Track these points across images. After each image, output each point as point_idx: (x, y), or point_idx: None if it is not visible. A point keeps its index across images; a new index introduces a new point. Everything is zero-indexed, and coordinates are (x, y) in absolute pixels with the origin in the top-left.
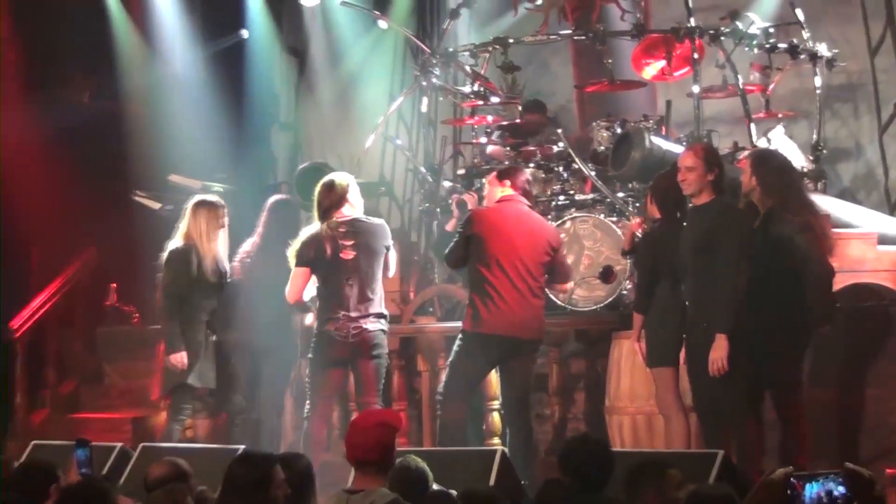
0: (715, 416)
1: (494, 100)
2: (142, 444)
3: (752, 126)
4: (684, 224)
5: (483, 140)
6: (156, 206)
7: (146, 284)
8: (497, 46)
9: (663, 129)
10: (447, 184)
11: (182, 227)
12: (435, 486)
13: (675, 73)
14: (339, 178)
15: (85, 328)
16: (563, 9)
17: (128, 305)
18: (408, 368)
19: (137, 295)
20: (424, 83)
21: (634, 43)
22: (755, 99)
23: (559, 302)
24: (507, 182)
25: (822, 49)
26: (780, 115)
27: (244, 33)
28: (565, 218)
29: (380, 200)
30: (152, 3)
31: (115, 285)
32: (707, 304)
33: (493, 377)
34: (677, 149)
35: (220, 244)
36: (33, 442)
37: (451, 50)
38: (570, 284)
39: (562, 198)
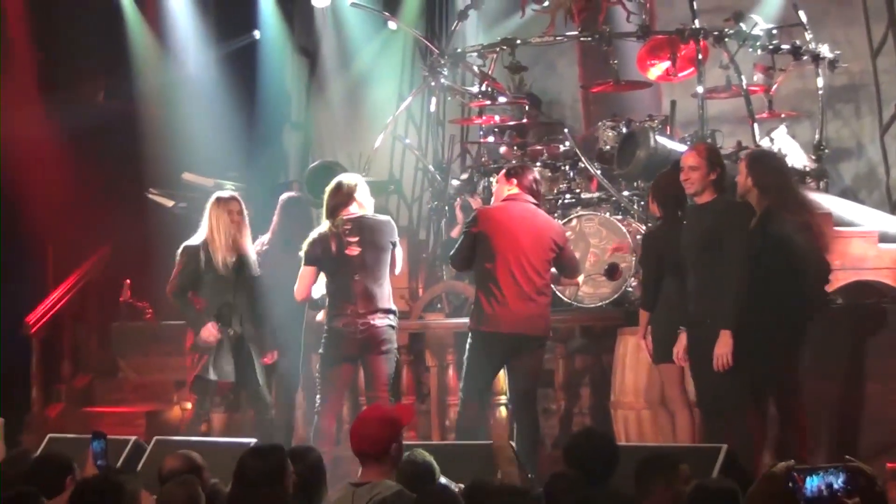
0: (718, 411)
1: (502, 100)
2: (155, 438)
3: (756, 126)
4: (684, 222)
5: (490, 139)
6: (169, 203)
7: (159, 281)
8: (504, 47)
9: (668, 128)
10: (455, 182)
11: (201, 223)
12: (442, 480)
13: (680, 74)
14: (348, 178)
15: (99, 324)
16: (569, 10)
17: (141, 301)
18: (416, 364)
19: (151, 291)
20: (433, 83)
21: (640, 44)
22: (758, 99)
23: (565, 299)
24: (514, 181)
25: (825, 50)
26: (782, 115)
27: (256, 34)
28: (571, 216)
29: (389, 198)
30: (166, 5)
31: (128, 282)
32: (711, 300)
33: (501, 372)
34: (682, 148)
35: (238, 239)
36: (49, 435)
37: (459, 51)
38: (580, 278)
39: (568, 196)
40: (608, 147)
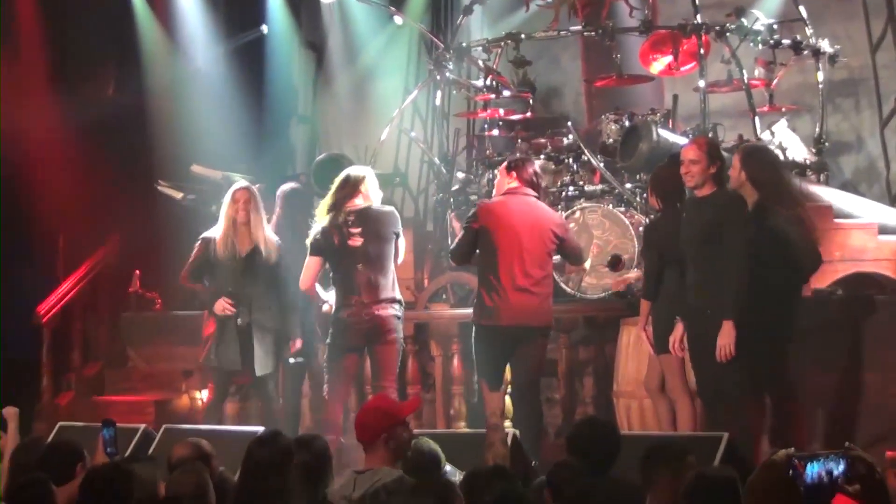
0: (719, 401)
1: (506, 93)
2: (164, 426)
3: (757, 120)
4: (684, 215)
5: (495, 132)
6: (178, 195)
7: (169, 272)
8: (509, 42)
9: (670, 122)
10: (460, 174)
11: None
12: (448, 468)
13: (682, 68)
14: (355, 171)
15: (109, 313)
16: (573, 5)
17: (151, 292)
18: (422, 353)
19: (160, 282)
20: (438, 77)
21: (642, 39)
22: (759, 93)
23: (568, 290)
24: (514, 174)
25: (825, 45)
26: (783, 109)
27: (264, 29)
28: (575, 208)
29: (394, 191)
30: (175, 0)
31: (138, 272)
32: (711, 292)
33: None
34: (683, 141)
35: (251, 228)
36: (59, 423)
37: (464, 45)
38: (586, 264)
39: (571, 188)
40: (611, 140)
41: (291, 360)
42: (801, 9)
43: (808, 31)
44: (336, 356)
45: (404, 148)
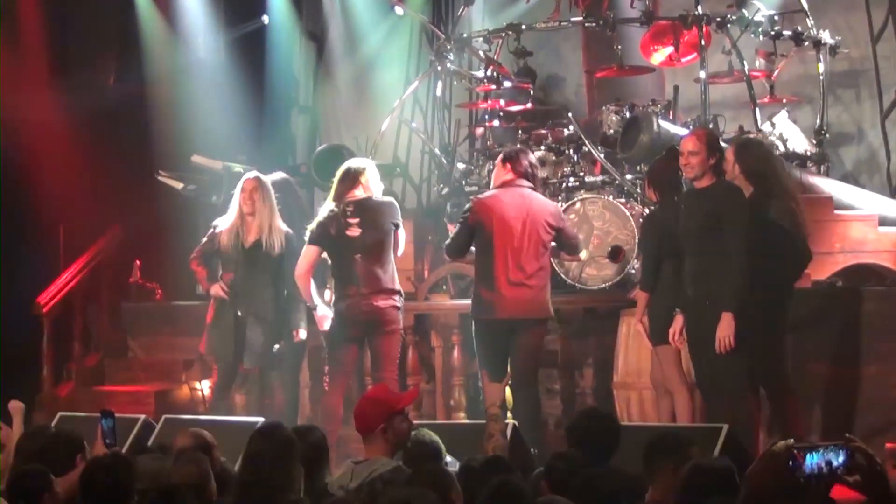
0: (718, 392)
1: (507, 84)
2: (164, 416)
3: (757, 111)
4: (682, 206)
5: (496, 123)
6: (178, 185)
7: (169, 261)
8: (510, 32)
9: (671, 113)
10: (461, 165)
11: None
12: (448, 458)
13: (683, 59)
14: (356, 163)
15: (110, 304)
16: None
17: (151, 282)
18: (422, 344)
19: (161, 272)
20: (439, 68)
21: (643, 29)
22: (760, 84)
23: (569, 280)
24: (509, 166)
25: (826, 36)
26: (784, 101)
27: (265, 19)
28: (575, 199)
29: (394, 181)
30: None
31: (138, 262)
32: (711, 284)
33: None
34: (684, 133)
35: (256, 218)
36: (60, 413)
37: (465, 35)
38: (583, 255)
39: (572, 179)
40: (612, 131)
41: (275, 348)
42: (802, 0)
43: (809, 21)
44: (336, 347)
45: (405, 139)
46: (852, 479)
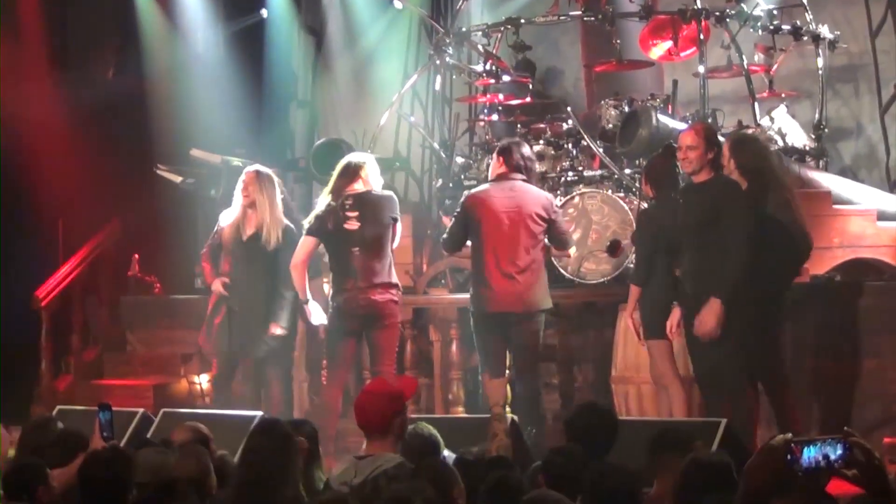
0: (716, 387)
1: (506, 78)
2: (163, 410)
3: (756, 105)
4: (680, 201)
5: (495, 117)
6: (177, 179)
7: (168, 255)
8: (509, 26)
9: (670, 107)
10: (460, 159)
11: None
12: (446, 452)
13: (682, 54)
14: (355, 157)
15: (109, 297)
16: None
17: (150, 275)
18: (420, 338)
19: (159, 265)
20: (438, 62)
21: (642, 24)
22: (759, 79)
23: (567, 275)
24: (502, 159)
25: (825, 31)
26: (783, 95)
27: (264, 13)
28: (574, 193)
29: (395, 175)
30: None
31: (137, 256)
32: (709, 278)
33: None
34: (683, 127)
35: (256, 211)
36: (58, 407)
37: (464, 30)
38: (571, 250)
39: (571, 174)
40: (610, 125)
41: (265, 342)
42: None
43: (808, 16)
44: (334, 341)
45: (404, 133)
46: (850, 472)
